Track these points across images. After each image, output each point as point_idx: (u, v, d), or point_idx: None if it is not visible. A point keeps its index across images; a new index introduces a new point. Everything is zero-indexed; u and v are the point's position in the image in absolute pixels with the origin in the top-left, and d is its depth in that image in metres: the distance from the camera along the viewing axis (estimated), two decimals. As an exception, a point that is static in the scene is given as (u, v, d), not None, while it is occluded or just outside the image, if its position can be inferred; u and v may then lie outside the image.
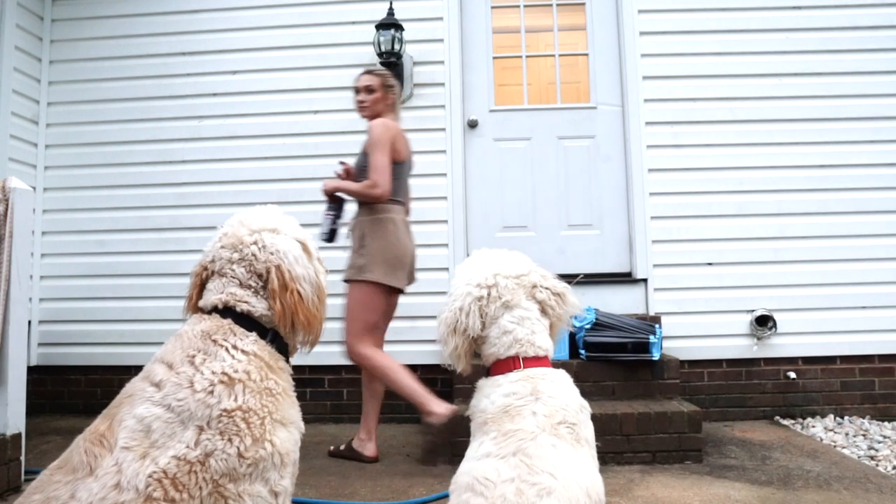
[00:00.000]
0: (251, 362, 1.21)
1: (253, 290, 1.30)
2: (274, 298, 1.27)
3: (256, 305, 1.29)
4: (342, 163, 3.05)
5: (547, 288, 1.39)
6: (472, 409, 1.32)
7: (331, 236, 2.91)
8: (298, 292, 1.28)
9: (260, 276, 1.30)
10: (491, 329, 1.34)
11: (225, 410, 1.13)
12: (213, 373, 1.16)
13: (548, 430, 1.16)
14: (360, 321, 2.81)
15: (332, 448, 3.01)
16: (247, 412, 1.15)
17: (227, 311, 1.28)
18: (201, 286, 1.35)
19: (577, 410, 1.23)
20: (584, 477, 1.12)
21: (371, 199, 2.80)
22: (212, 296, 1.30)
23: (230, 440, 1.12)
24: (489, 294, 1.34)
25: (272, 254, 1.30)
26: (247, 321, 1.28)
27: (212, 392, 1.15)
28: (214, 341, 1.22)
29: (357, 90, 2.95)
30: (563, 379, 1.30)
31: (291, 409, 1.25)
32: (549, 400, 1.21)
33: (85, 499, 1.04)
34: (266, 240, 1.31)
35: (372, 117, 2.90)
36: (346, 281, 2.89)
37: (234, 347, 1.22)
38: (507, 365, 1.31)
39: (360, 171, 2.90)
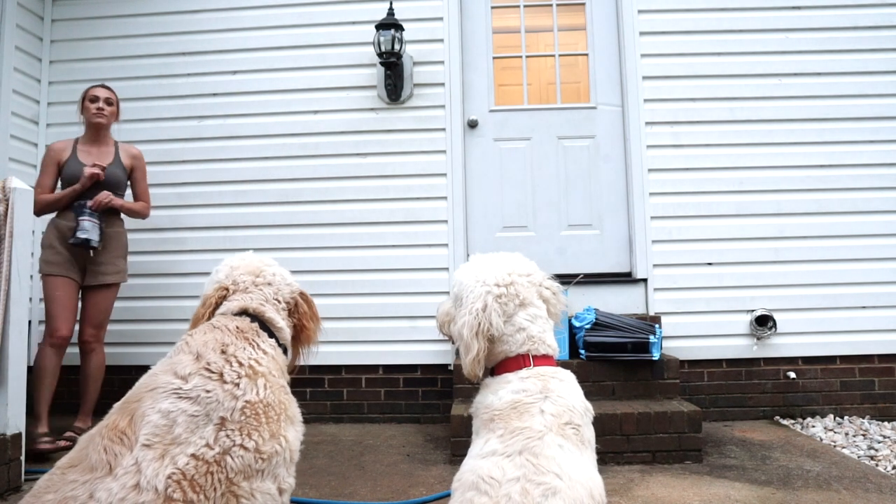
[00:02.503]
0: (271, 361, 1.33)
1: (275, 308, 1.47)
2: (306, 321, 1.52)
3: (278, 320, 1.46)
4: (98, 164, 3.13)
5: (547, 287, 1.43)
6: (476, 405, 1.32)
7: (100, 241, 3.11)
8: (320, 320, 1.57)
9: (287, 302, 1.51)
10: (505, 327, 1.35)
11: (248, 402, 1.20)
12: (241, 364, 1.26)
13: (555, 429, 1.16)
14: (108, 320, 3.26)
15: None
16: (267, 406, 1.22)
17: (253, 318, 1.41)
18: (216, 307, 1.47)
19: (582, 412, 1.24)
20: (588, 478, 1.12)
21: (142, 217, 3.36)
22: (238, 303, 1.44)
23: (249, 435, 1.17)
24: (507, 292, 1.36)
25: (289, 284, 1.54)
26: (267, 329, 1.43)
27: (238, 384, 1.21)
28: (246, 338, 1.33)
29: (97, 98, 3.19)
30: (571, 379, 1.31)
31: (297, 409, 1.34)
32: (559, 399, 1.22)
33: (105, 499, 1.04)
34: (281, 272, 1.56)
35: (107, 127, 3.26)
36: (110, 284, 3.20)
37: (259, 346, 1.34)
38: (516, 363, 1.32)
39: (117, 185, 3.20)
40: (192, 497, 1.07)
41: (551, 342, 1.37)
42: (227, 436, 1.14)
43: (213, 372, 1.21)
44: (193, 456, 1.10)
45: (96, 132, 3.23)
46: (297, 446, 1.27)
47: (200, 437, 1.12)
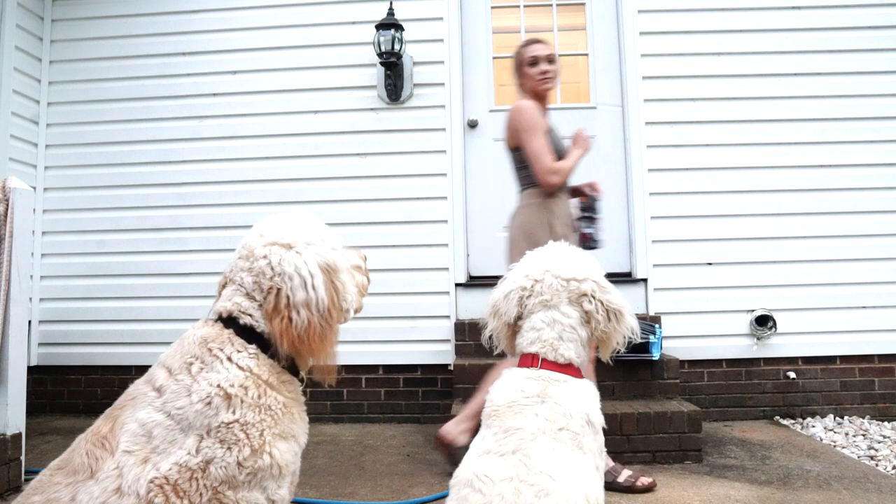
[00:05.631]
0: (248, 378, 1.17)
1: (258, 304, 1.24)
2: (268, 320, 1.23)
3: (260, 321, 1.23)
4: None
5: (600, 301, 1.35)
6: (489, 395, 1.31)
7: None
8: (289, 318, 1.20)
9: (265, 292, 1.25)
10: (524, 322, 1.36)
11: (223, 423, 1.13)
12: (210, 384, 1.14)
13: (548, 433, 1.16)
14: None
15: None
16: (245, 425, 1.14)
17: (230, 321, 1.24)
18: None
19: (582, 424, 1.20)
20: (584, 481, 1.11)
21: None
22: (220, 303, 1.27)
23: (230, 449, 1.12)
24: (532, 288, 1.35)
25: (278, 275, 1.23)
26: (248, 333, 1.23)
27: (209, 403, 1.13)
28: (210, 350, 1.18)
29: (537, 60, 2.60)
30: (581, 389, 1.27)
31: (293, 424, 1.23)
32: (555, 406, 1.20)
33: (85, 502, 1.04)
34: (274, 258, 1.24)
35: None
36: None
37: (230, 360, 1.18)
38: (526, 360, 1.32)
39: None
40: (175, 502, 1.06)
41: (564, 352, 1.30)
42: (209, 447, 1.11)
43: (181, 389, 1.14)
44: (177, 463, 1.08)
45: (543, 100, 2.65)
46: (290, 460, 1.19)
47: (181, 448, 1.10)
